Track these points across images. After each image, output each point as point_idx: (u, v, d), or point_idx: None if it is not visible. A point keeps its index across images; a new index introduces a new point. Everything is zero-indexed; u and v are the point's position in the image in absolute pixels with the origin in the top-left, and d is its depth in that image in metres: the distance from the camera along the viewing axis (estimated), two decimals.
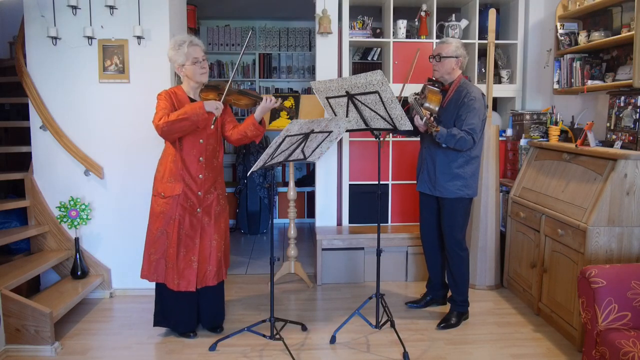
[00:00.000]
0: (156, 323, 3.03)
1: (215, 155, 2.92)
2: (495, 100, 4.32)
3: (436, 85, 3.08)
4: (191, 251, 2.86)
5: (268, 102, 2.81)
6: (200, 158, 2.84)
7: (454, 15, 4.12)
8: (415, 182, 3.29)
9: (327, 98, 2.90)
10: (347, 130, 3.00)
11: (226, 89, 2.78)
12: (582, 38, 3.32)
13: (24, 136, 3.69)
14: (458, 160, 3.00)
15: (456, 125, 2.95)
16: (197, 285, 2.88)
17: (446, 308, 3.29)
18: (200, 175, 2.84)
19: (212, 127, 2.76)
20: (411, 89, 3.38)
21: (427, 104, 2.91)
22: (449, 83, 3.06)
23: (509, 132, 4.05)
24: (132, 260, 3.62)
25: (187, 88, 2.88)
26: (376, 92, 2.65)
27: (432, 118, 2.83)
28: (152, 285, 3.52)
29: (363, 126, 2.94)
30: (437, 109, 2.95)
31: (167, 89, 2.85)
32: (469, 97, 2.93)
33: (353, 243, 3.90)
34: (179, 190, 2.81)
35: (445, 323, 3.13)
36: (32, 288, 3.52)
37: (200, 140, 2.83)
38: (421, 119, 2.86)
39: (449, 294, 3.26)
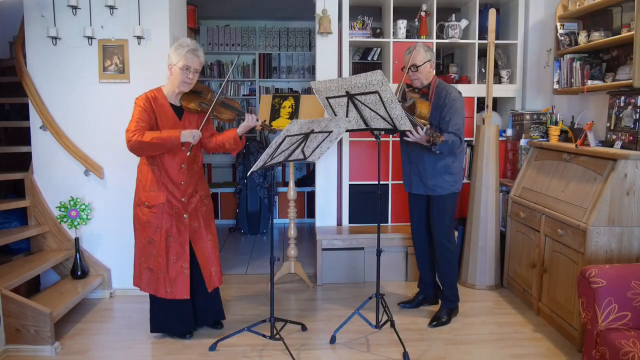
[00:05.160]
0: (153, 329, 2.99)
1: (196, 160, 2.90)
2: (495, 100, 4.32)
3: (415, 90, 3.11)
4: (181, 258, 2.83)
5: (251, 120, 2.78)
6: (182, 165, 2.81)
7: (454, 15, 4.12)
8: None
9: (327, 98, 2.90)
10: (347, 130, 3.00)
11: (209, 102, 2.78)
12: (582, 38, 3.32)
13: (24, 136, 3.69)
14: (446, 158, 3.07)
15: (441, 127, 3.00)
16: (209, 288, 2.93)
17: (438, 307, 3.30)
18: (182, 182, 2.82)
19: (189, 154, 2.73)
20: None
21: (419, 119, 2.89)
22: (426, 86, 3.10)
23: (509, 132, 4.05)
24: (132, 261, 3.61)
25: (169, 90, 2.80)
26: (376, 92, 2.65)
27: (431, 129, 2.82)
28: None
29: (363, 126, 2.94)
30: (428, 116, 2.95)
31: (147, 92, 2.77)
32: (450, 97, 3.00)
33: (353, 243, 3.90)
34: (162, 198, 2.77)
35: (437, 321, 3.17)
36: (32, 288, 3.52)
37: (185, 150, 2.79)
38: (422, 128, 2.81)
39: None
